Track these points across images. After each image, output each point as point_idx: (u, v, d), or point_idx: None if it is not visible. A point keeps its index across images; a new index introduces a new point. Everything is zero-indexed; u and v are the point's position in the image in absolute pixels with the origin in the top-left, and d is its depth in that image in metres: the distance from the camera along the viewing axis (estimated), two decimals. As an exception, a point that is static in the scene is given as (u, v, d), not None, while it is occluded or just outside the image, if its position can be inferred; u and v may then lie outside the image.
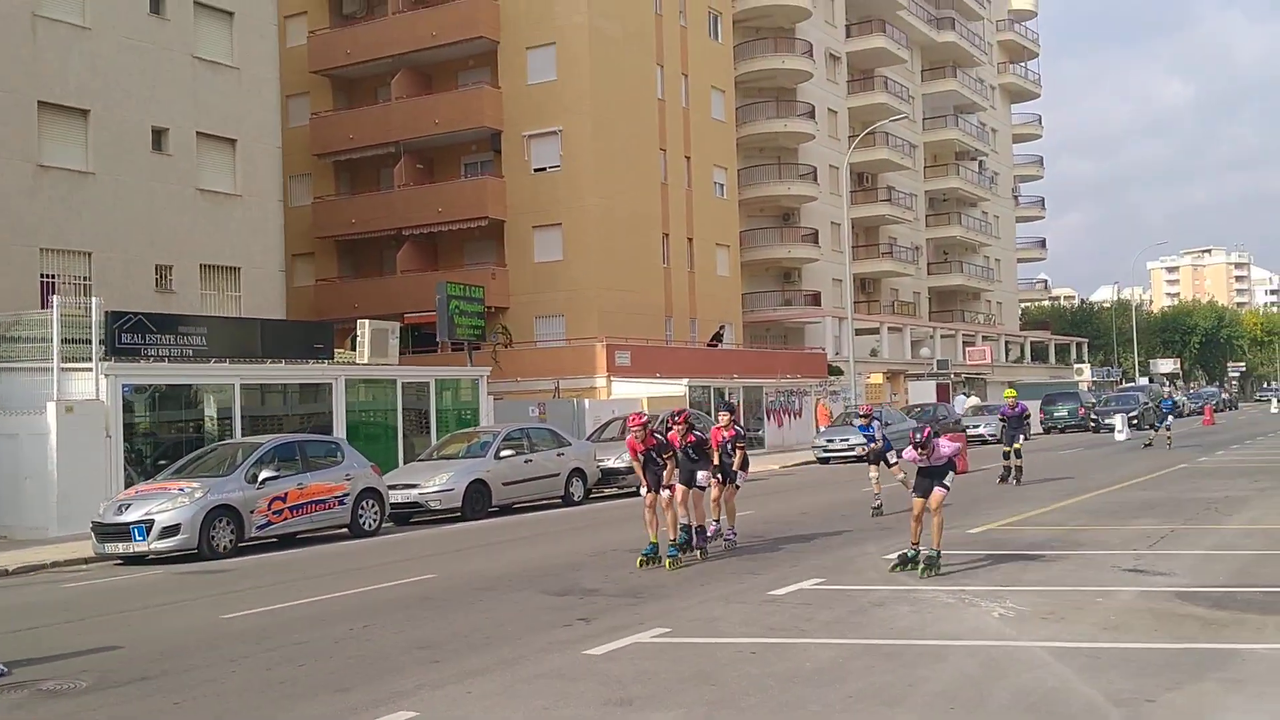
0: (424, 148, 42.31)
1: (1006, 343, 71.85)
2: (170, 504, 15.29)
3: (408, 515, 19.62)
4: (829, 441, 32.44)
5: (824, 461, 32.62)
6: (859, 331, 57.97)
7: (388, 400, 24.57)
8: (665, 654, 8.33)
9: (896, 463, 17.13)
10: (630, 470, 22.21)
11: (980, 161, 73.37)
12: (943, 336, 62.09)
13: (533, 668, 7.99)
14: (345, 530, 17.50)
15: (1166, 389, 36.25)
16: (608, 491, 23.68)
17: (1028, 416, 23.53)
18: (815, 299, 55.75)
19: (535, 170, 40.12)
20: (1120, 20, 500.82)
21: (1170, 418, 33.34)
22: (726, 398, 36.07)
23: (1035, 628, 8.89)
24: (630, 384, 34.88)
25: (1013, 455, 22.10)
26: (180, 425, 21.23)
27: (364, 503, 17.51)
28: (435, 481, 19.13)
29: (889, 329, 57.17)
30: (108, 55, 26.07)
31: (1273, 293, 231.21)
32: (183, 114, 27.44)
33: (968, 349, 59.99)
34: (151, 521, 15.13)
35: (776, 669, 7.77)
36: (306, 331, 23.68)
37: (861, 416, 19.19)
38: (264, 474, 16.00)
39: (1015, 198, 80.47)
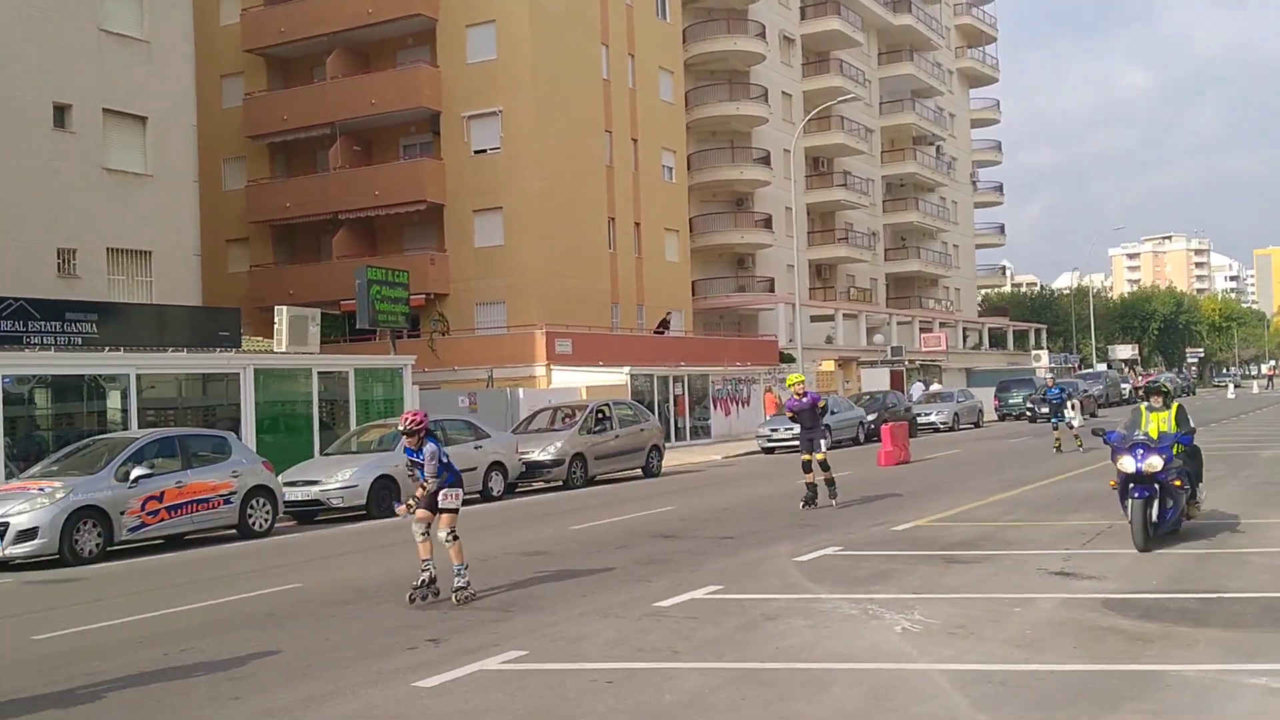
0: (361, 129, 40.88)
1: (964, 329, 71.21)
2: (28, 505, 13.98)
3: (312, 514, 18.38)
4: (772, 430, 31.43)
5: (768, 451, 31.63)
6: (814, 318, 57.14)
7: (303, 391, 23.25)
8: (508, 685, 7.20)
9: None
10: (557, 463, 21.18)
11: (938, 146, 72.62)
12: (899, 323, 61.29)
13: (342, 706, 6.83)
14: (235, 531, 16.24)
15: (1050, 376, 26.27)
16: (536, 485, 22.56)
17: (824, 409, 17.46)
18: (769, 285, 54.75)
19: (475, 152, 38.80)
20: (1082, 10, 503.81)
21: (1070, 412, 26.21)
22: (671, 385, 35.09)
23: (940, 646, 7.84)
24: (571, 372, 33.73)
25: (816, 468, 16.15)
26: (79, 419, 19.86)
27: (254, 501, 16.26)
28: (337, 478, 17.90)
29: (844, 315, 56.23)
30: (3, 25, 24.52)
31: (1232, 279, 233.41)
32: (87, 89, 25.92)
33: (923, 335, 59.24)
34: (6, 525, 13.82)
35: (630, 702, 6.67)
36: (213, 318, 22.32)
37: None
38: (136, 472, 14.71)
39: (974, 183, 79.85)
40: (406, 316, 26.64)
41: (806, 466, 16.22)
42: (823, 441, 16.38)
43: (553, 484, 22.12)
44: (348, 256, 40.04)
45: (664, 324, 41.63)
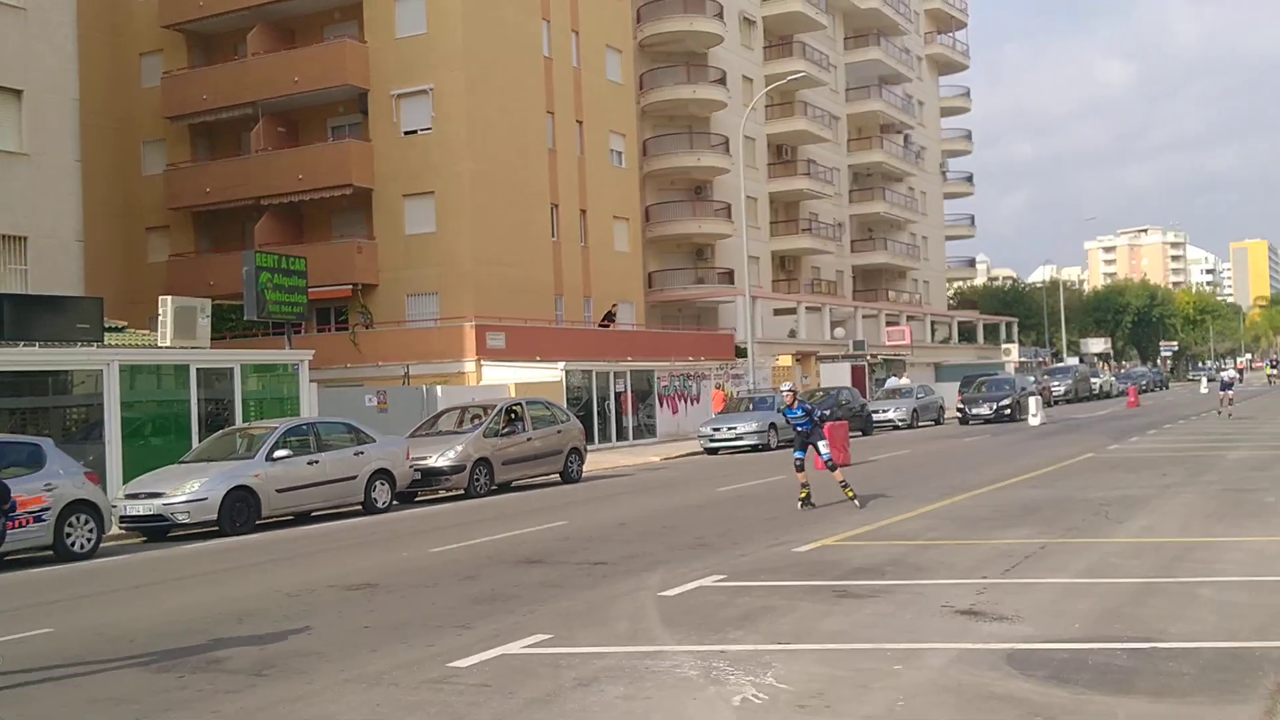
0: (286, 109, 38.62)
1: (933, 323, 69.48)
2: None
3: (163, 530, 16.23)
4: (715, 430, 29.47)
5: (711, 452, 29.66)
6: (778, 312, 55.19)
7: (180, 390, 21.08)
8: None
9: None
10: (457, 469, 19.16)
11: (906, 135, 70.75)
12: (865, 316, 59.41)
13: None
14: (52, 553, 14.10)
15: (789, 391, 13.31)
16: (441, 494, 20.42)
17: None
18: (729, 277, 52.70)
19: (405, 133, 36.64)
20: (1061, 2, 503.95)
21: (816, 438, 15.51)
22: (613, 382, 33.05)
23: (779, 730, 5.85)
24: (504, 368, 31.65)
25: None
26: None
27: (73, 519, 14.13)
28: (185, 490, 15.75)
29: (807, 308, 54.34)
30: None
31: (1208, 272, 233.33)
32: (-47, 58, 23.64)
33: (888, 329, 57.39)
34: None
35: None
36: (71, 308, 20.10)
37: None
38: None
39: (943, 173, 78.06)
40: (304, 308, 24.43)
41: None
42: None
43: (454, 493, 20.04)
44: (271, 244, 37.63)
45: (609, 316, 39.56)
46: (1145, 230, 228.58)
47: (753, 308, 50.16)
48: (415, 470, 19.05)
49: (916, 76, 72.34)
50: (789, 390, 16.31)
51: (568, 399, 30.69)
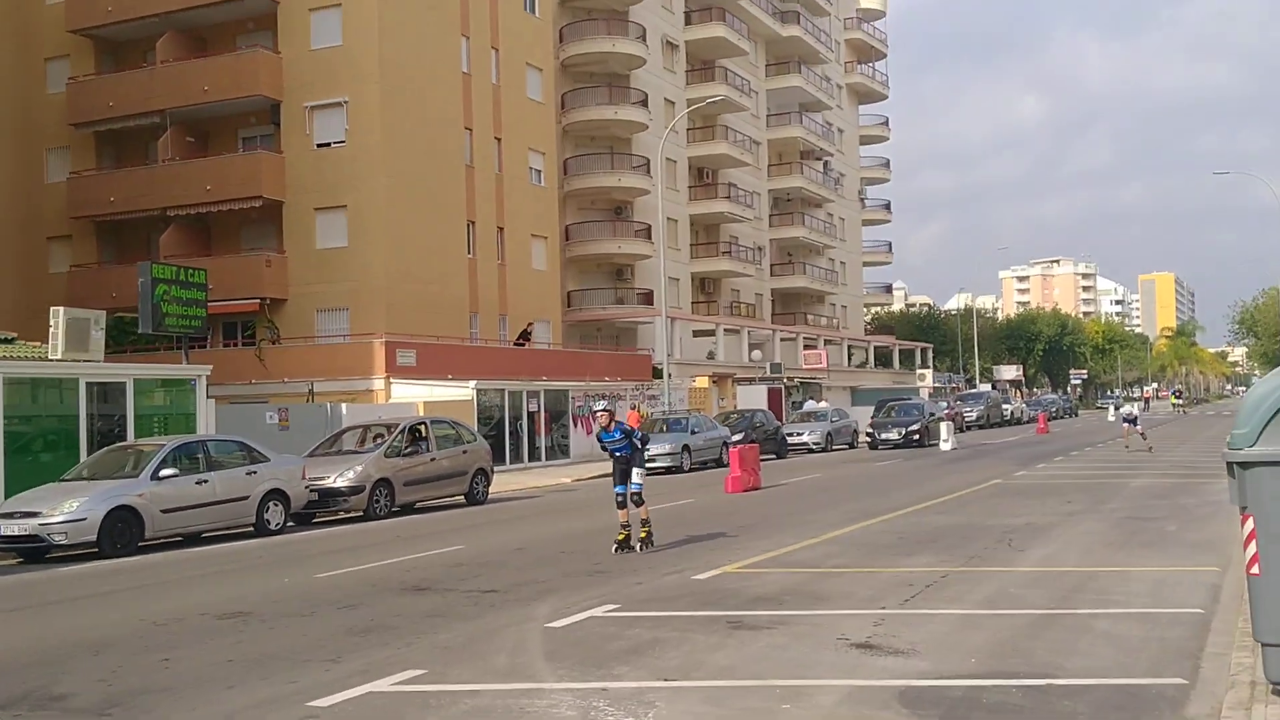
0: (195, 119, 37.56)
1: (850, 347, 70.11)
2: None
3: (41, 551, 15.34)
4: (626, 452, 29.04)
5: (623, 474, 29.22)
6: (697, 333, 55.18)
7: (69, 404, 20.15)
8: None
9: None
10: (355, 490, 18.54)
11: (826, 162, 71.55)
12: (783, 340, 59.72)
13: None
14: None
15: (600, 410, 13.73)
16: (341, 515, 19.72)
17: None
18: (649, 298, 52.56)
19: (318, 145, 35.85)
20: (977, 38, 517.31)
21: (639, 462, 14.00)
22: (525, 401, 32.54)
23: (652, 779, 5.48)
24: (414, 386, 30.96)
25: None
26: None
27: (-70, 540, 13.25)
28: (63, 509, 14.92)
29: (725, 330, 54.40)
30: None
31: (1117, 303, 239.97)
32: None
33: (804, 352, 57.73)
34: None
35: None
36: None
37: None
38: None
39: (862, 200, 79.10)
40: (203, 321, 23.57)
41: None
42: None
43: (354, 514, 19.38)
44: (177, 256, 36.48)
45: (525, 335, 39.06)
46: (1057, 261, 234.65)
47: (671, 329, 50.15)
48: (312, 491, 18.37)
49: (837, 105, 73.28)
50: (604, 410, 13.72)
51: (479, 418, 30.12)
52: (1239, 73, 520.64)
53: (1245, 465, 6.25)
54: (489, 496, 21.91)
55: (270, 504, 17.13)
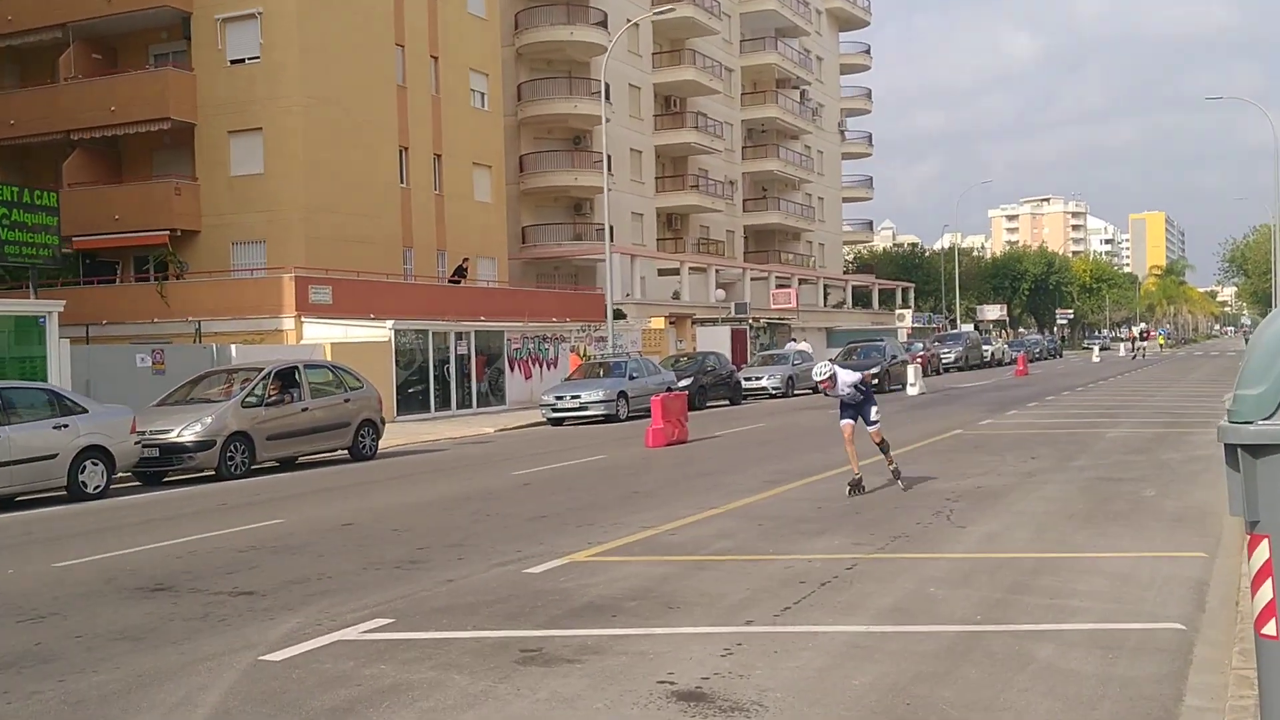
0: (102, 34, 34.35)
1: (826, 287, 67.36)
2: None
3: None
4: (558, 399, 26.44)
5: (555, 423, 26.67)
6: (662, 272, 52.32)
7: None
8: None
9: None
10: (204, 446, 15.85)
11: (803, 91, 68.15)
12: (754, 279, 56.95)
13: None
14: None
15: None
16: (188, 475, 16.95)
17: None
18: (611, 234, 49.60)
19: (232, 62, 32.68)
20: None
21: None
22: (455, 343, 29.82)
23: None
24: (326, 326, 28.19)
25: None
26: None
27: None
28: None
29: (691, 269, 51.58)
30: None
31: (1107, 242, 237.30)
32: None
33: (773, 292, 54.97)
34: None
35: None
36: None
37: None
38: None
39: (842, 132, 75.80)
40: (54, 250, 20.70)
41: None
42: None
43: (204, 475, 16.66)
44: (83, 184, 33.68)
45: (460, 271, 36.17)
46: (1047, 200, 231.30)
47: (632, 266, 47.40)
48: (150, 447, 15.67)
49: (815, 31, 69.79)
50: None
51: (397, 362, 27.45)
52: (1231, 8, 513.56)
53: (1258, 451, 3.62)
54: (379, 451, 19.28)
55: (88, 463, 14.45)
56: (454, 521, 11.28)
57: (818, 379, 12.59)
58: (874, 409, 12.79)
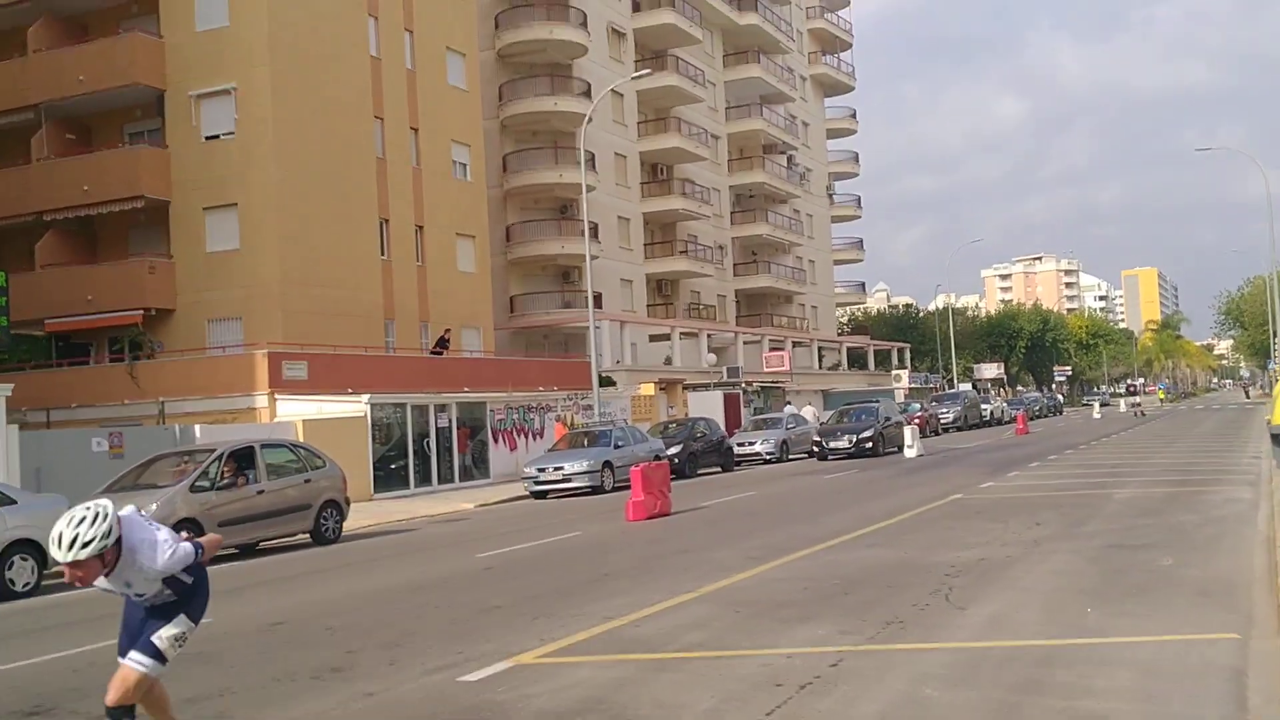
0: (74, 113, 33.89)
1: (821, 349, 66.55)
2: None
3: None
4: (539, 471, 25.41)
5: (539, 496, 25.60)
6: (653, 338, 51.51)
7: None
8: None
9: None
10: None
11: (790, 156, 68.03)
12: (746, 342, 56.13)
13: None
14: None
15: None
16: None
17: None
18: (598, 301, 48.84)
19: (207, 138, 32.14)
20: (954, 40, 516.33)
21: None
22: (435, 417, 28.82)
23: None
24: (299, 403, 27.22)
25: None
26: None
27: None
28: None
29: (682, 334, 50.76)
30: None
31: (1101, 298, 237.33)
32: None
33: (766, 355, 54.11)
34: None
35: None
36: None
37: None
38: None
39: (830, 195, 75.60)
40: (3, 331, 19.82)
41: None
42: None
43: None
44: (55, 265, 32.98)
45: (443, 342, 35.29)
46: (1039, 258, 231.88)
47: (622, 333, 46.61)
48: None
49: (800, 97, 69.91)
50: None
51: (375, 437, 26.46)
52: (1215, 68, 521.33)
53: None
54: (344, 533, 18.20)
55: (15, 559, 13.38)
56: (397, 615, 10.22)
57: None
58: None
